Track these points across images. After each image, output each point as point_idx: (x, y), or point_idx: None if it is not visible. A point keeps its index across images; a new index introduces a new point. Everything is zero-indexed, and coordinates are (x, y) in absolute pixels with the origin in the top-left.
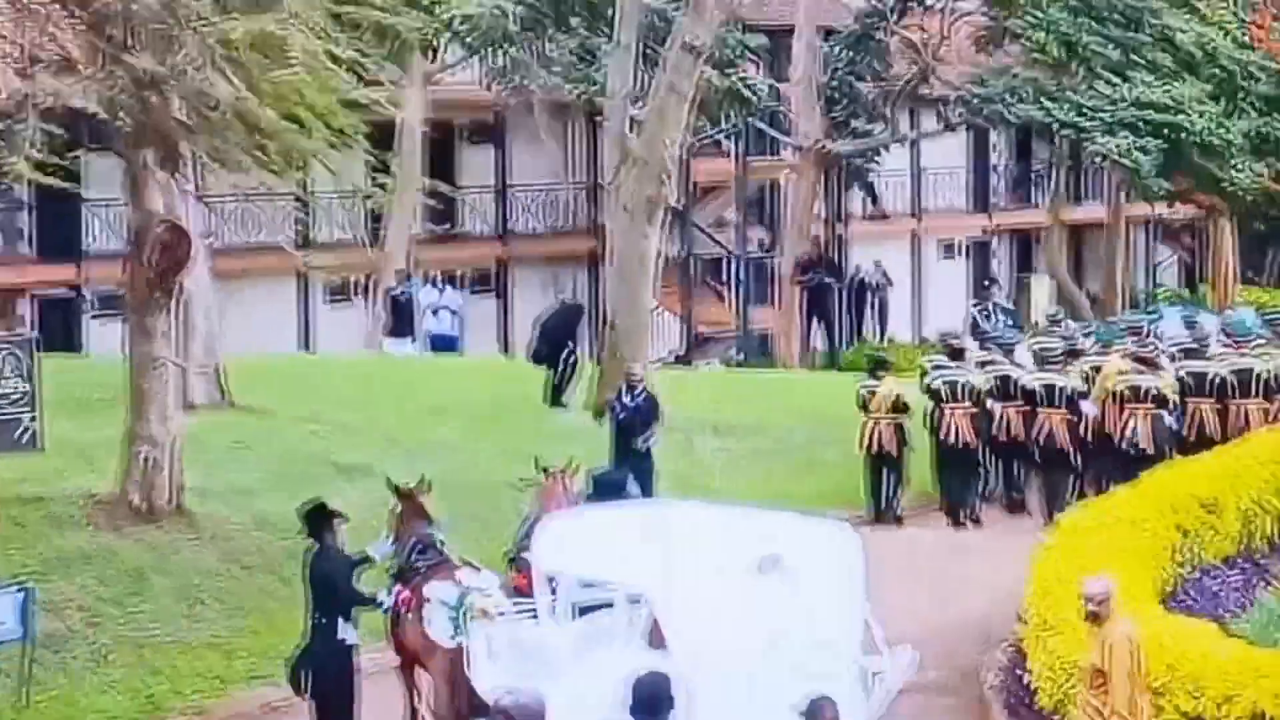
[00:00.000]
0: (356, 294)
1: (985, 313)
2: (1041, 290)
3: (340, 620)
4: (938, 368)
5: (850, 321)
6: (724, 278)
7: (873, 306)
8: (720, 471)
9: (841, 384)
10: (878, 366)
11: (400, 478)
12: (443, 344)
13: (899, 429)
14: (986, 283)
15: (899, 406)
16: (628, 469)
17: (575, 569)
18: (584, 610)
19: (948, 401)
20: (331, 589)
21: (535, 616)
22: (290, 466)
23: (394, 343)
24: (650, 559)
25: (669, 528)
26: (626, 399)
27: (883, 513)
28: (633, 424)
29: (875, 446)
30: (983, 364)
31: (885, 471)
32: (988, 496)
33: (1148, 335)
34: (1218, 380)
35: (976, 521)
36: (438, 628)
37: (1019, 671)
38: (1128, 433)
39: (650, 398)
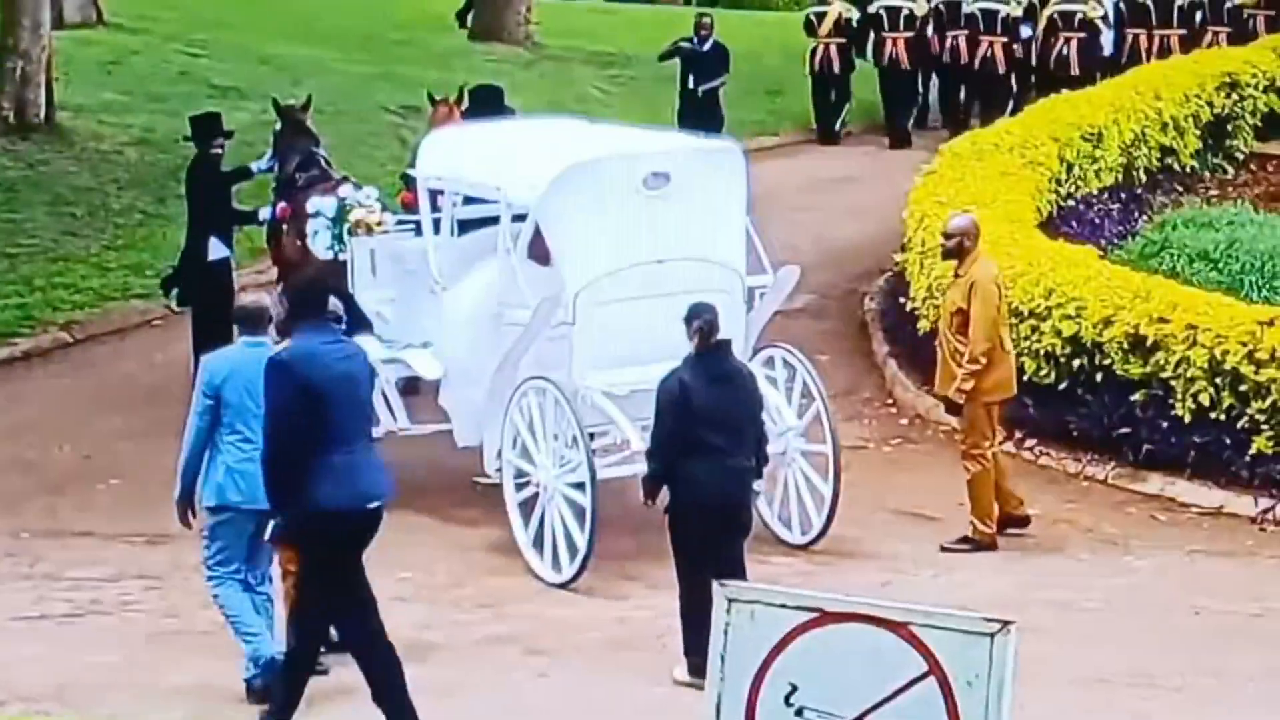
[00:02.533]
0: None
1: None
2: None
3: (215, 234)
4: None
5: None
6: None
7: None
8: (602, 101)
9: (721, 20)
10: None
11: (280, 97)
12: None
13: (844, 51)
14: None
15: (845, 29)
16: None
17: (459, 183)
18: (467, 226)
19: (888, 28)
20: (210, 200)
21: (419, 233)
22: (164, 85)
23: None
24: (536, 174)
25: (556, 144)
26: (696, 44)
27: (827, 133)
28: (701, 70)
29: (822, 69)
30: None
31: (830, 93)
32: (927, 121)
33: None
34: (1148, 8)
35: (909, 142)
36: (318, 241)
37: (900, 298)
38: (1059, 57)
39: (720, 46)
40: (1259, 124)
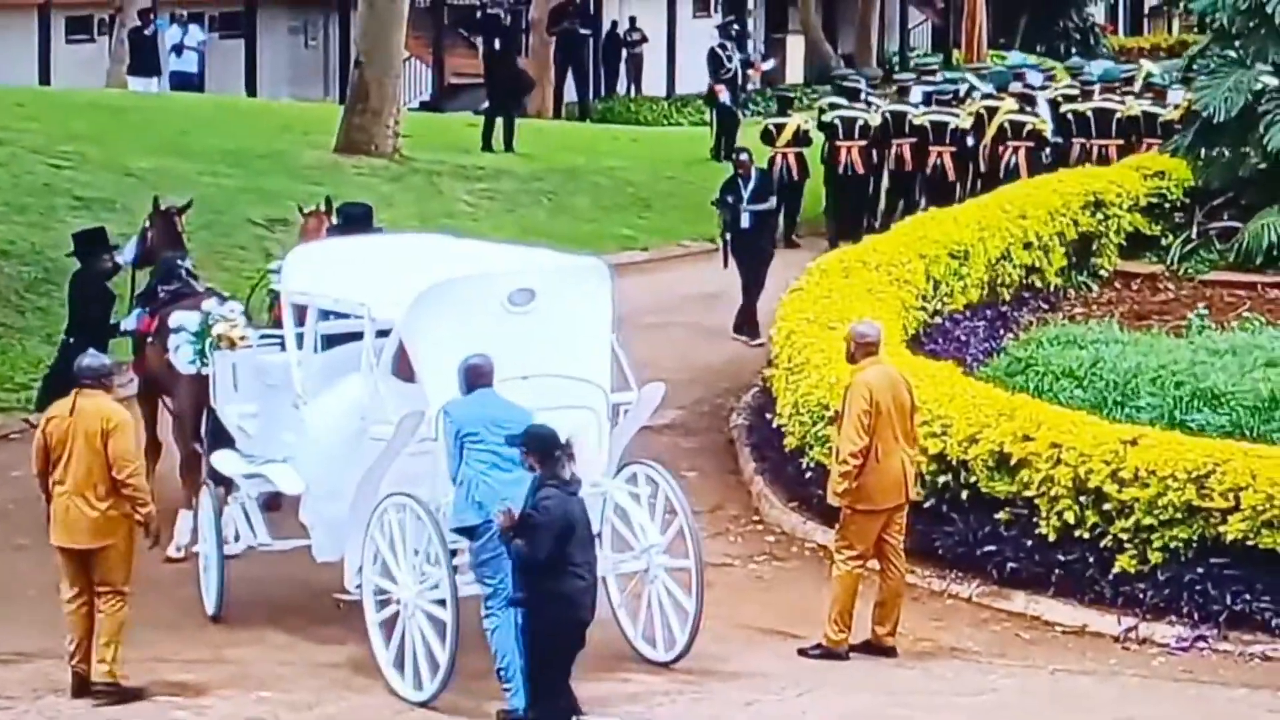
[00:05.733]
0: (100, 32)
1: (727, 53)
2: (795, 50)
3: (95, 347)
4: (833, 106)
5: (604, 76)
6: (474, 27)
7: (627, 62)
8: (470, 214)
9: (593, 135)
10: (784, 104)
11: (141, 210)
12: (186, 83)
13: (802, 160)
14: (731, 20)
15: (804, 139)
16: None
17: (322, 298)
18: (332, 341)
19: (843, 137)
20: (95, 314)
21: (284, 347)
22: (28, 197)
23: (138, 81)
24: (400, 290)
25: (420, 259)
26: (742, 187)
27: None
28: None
29: (781, 177)
30: (870, 104)
31: (786, 201)
32: (876, 227)
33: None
34: (1088, 120)
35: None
36: (180, 355)
37: (767, 414)
38: (1008, 165)
39: (765, 176)
40: (1123, 242)
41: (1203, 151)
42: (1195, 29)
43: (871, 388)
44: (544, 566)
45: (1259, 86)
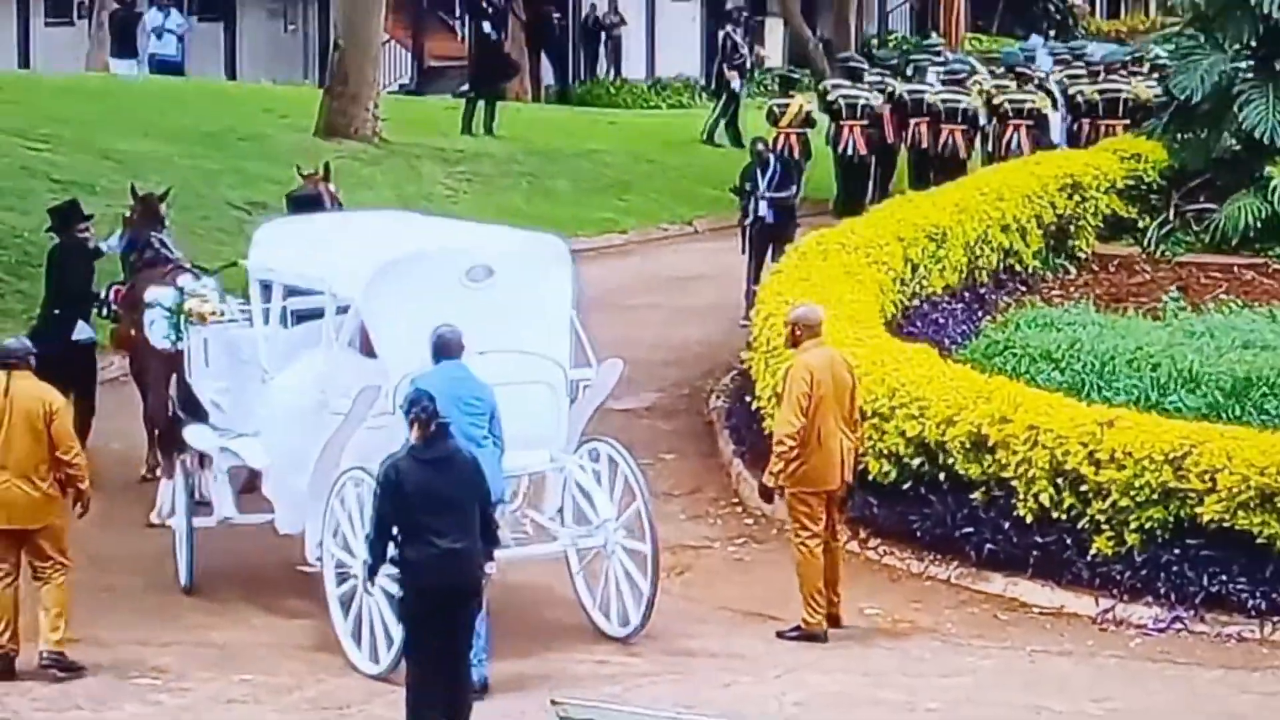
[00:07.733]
0: (79, 15)
1: (733, 43)
2: (774, 33)
3: (81, 316)
4: (837, 87)
5: (584, 59)
6: (454, 10)
7: (606, 45)
8: (449, 197)
9: (573, 118)
10: (788, 85)
11: (119, 193)
12: (166, 67)
13: (804, 141)
14: (741, 6)
15: (807, 120)
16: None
17: (286, 274)
18: (304, 318)
19: (846, 118)
20: (78, 281)
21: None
22: (5, 180)
23: (121, 64)
24: (360, 266)
25: (380, 237)
26: (761, 180)
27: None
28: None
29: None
30: (874, 85)
31: None
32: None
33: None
34: (1096, 102)
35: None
36: (155, 331)
37: (746, 397)
38: (1009, 145)
39: (785, 164)
40: (1100, 225)
41: (1178, 134)
42: (1170, 9)
43: (812, 369)
44: (384, 531)
45: (1233, 69)
